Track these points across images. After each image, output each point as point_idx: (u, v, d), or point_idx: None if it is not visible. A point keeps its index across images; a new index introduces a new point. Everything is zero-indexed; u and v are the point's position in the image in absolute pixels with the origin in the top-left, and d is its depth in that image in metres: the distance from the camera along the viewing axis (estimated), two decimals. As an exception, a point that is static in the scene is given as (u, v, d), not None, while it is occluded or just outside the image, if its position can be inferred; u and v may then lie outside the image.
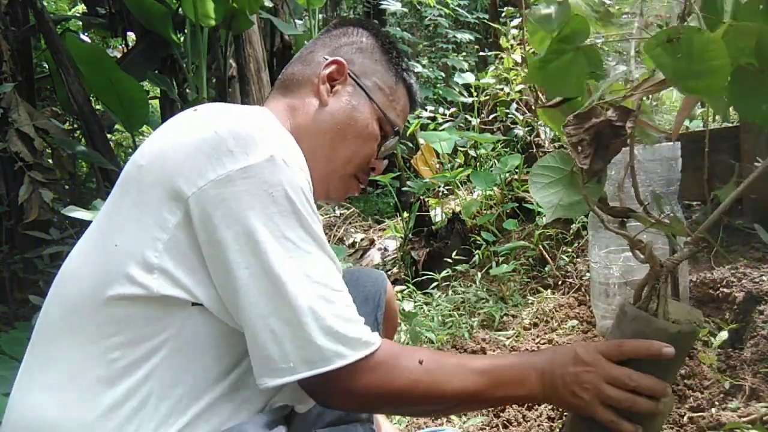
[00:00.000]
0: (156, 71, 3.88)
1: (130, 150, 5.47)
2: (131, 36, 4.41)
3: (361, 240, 3.68)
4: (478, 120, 3.70)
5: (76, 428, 0.79)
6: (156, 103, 5.06)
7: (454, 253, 2.83)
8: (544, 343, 2.05)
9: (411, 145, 4.56)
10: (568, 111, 0.93)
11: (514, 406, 1.73)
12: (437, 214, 3.36)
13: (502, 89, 3.63)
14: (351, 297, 0.85)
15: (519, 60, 3.51)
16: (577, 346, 0.86)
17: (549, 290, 2.45)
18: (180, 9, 3.54)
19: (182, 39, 3.65)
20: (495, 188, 3.09)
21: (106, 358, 0.80)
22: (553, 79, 0.90)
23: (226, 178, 0.78)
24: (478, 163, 3.54)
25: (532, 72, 0.90)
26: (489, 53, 4.43)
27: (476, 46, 6.42)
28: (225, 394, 0.85)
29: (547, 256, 2.61)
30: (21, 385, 0.87)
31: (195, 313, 0.82)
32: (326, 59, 1.04)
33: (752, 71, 0.75)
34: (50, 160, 3.33)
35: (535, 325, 2.22)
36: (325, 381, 0.80)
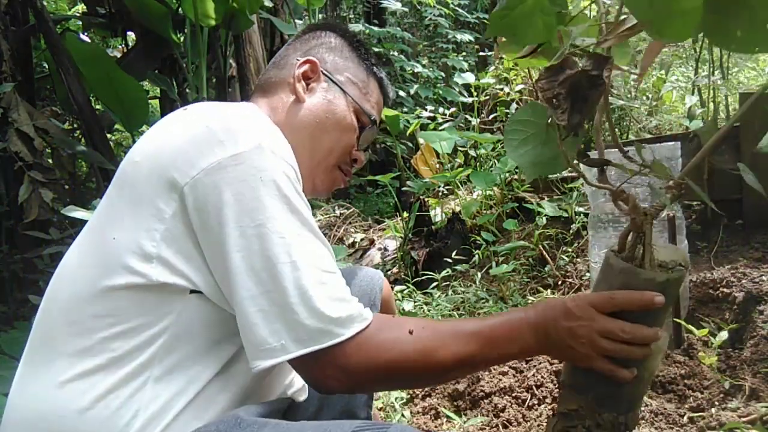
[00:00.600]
0: (156, 71, 3.88)
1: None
2: (131, 36, 4.41)
3: (361, 240, 3.68)
4: (478, 120, 3.70)
5: (75, 417, 0.80)
6: (156, 103, 5.06)
7: (454, 253, 2.83)
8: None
9: (411, 145, 4.56)
10: (548, 55, 0.88)
11: (514, 405, 1.73)
12: (437, 214, 3.36)
13: (502, 89, 3.63)
14: (343, 279, 0.86)
15: (519, 60, 3.50)
16: (567, 300, 0.86)
17: (549, 290, 2.45)
18: (180, 9, 3.54)
19: (182, 39, 3.64)
20: (495, 188, 3.09)
21: (106, 348, 0.82)
22: (519, 27, 0.84)
23: (217, 166, 0.81)
24: (478, 163, 3.54)
25: (494, 24, 0.85)
26: (489, 53, 4.44)
27: (476, 46, 6.42)
28: (222, 380, 0.87)
29: (547, 256, 2.61)
30: (20, 381, 0.88)
31: (193, 300, 0.84)
32: (299, 60, 1.09)
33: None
34: (50, 160, 3.33)
35: (535, 325, 2.21)
36: (316, 360, 0.81)
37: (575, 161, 0.88)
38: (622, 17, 0.81)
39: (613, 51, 0.82)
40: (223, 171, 0.81)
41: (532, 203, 2.86)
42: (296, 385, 1.07)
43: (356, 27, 5.80)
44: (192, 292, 0.84)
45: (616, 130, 3.58)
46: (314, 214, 3.43)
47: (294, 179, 0.86)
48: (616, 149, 0.90)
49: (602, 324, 0.83)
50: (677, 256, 0.88)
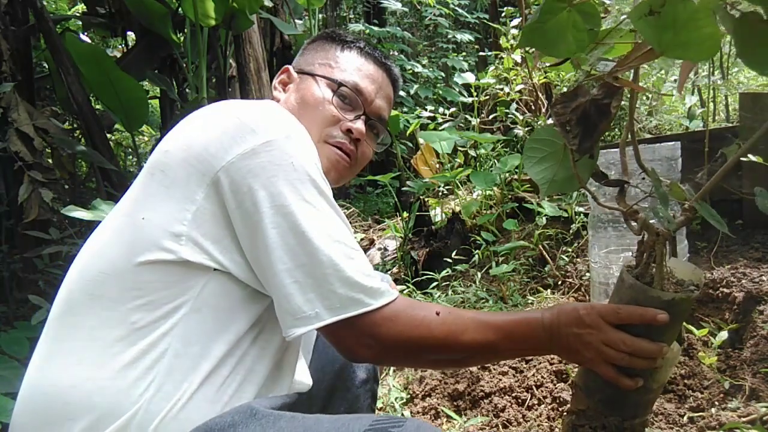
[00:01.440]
0: (156, 71, 3.88)
1: (130, 150, 5.47)
2: (131, 36, 4.41)
3: (361, 240, 3.68)
4: (478, 120, 3.70)
5: (93, 388, 0.82)
6: (156, 103, 5.05)
7: (454, 253, 2.83)
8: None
9: (411, 145, 4.56)
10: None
11: (514, 405, 1.73)
12: (437, 214, 3.36)
13: (502, 89, 3.64)
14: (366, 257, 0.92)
15: (519, 60, 3.51)
16: (580, 308, 0.92)
17: (549, 290, 2.46)
18: (180, 9, 3.54)
19: (182, 39, 3.64)
20: (495, 188, 3.09)
21: (127, 320, 0.85)
22: (550, 41, 0.85)
23: (251, 152, 0.87)
24: (478, 163, 3.54)
25: (526, 35, 0.86)
26: (489, 53, 4.44)
27: (476, 46, 6.42)
28: (238, 354, 0.90)
29: (547, 256, 2.61)
30: (37, 359, 0.90)
31: (216, 276, 0.88)
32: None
33: (758, 21, 0.70)
34: (50, 160, 3.32)
35: (535, 325, 2.21)
36: (348, 328, 0.87)
37: (590, 180, 0.92)
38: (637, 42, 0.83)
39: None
40: (257, 156, 0.87)
41: (532, 203, 2.86)
42: (299, 374, 1.11)
43: (356, 27, 5.79)
44: (215, 270, 0.88)
45: (617, 129, 3.58)
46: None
47: (319, 165, 0.93)
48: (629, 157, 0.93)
49: (607, 334, 0.89)
50: (694, 276, 0.93)
